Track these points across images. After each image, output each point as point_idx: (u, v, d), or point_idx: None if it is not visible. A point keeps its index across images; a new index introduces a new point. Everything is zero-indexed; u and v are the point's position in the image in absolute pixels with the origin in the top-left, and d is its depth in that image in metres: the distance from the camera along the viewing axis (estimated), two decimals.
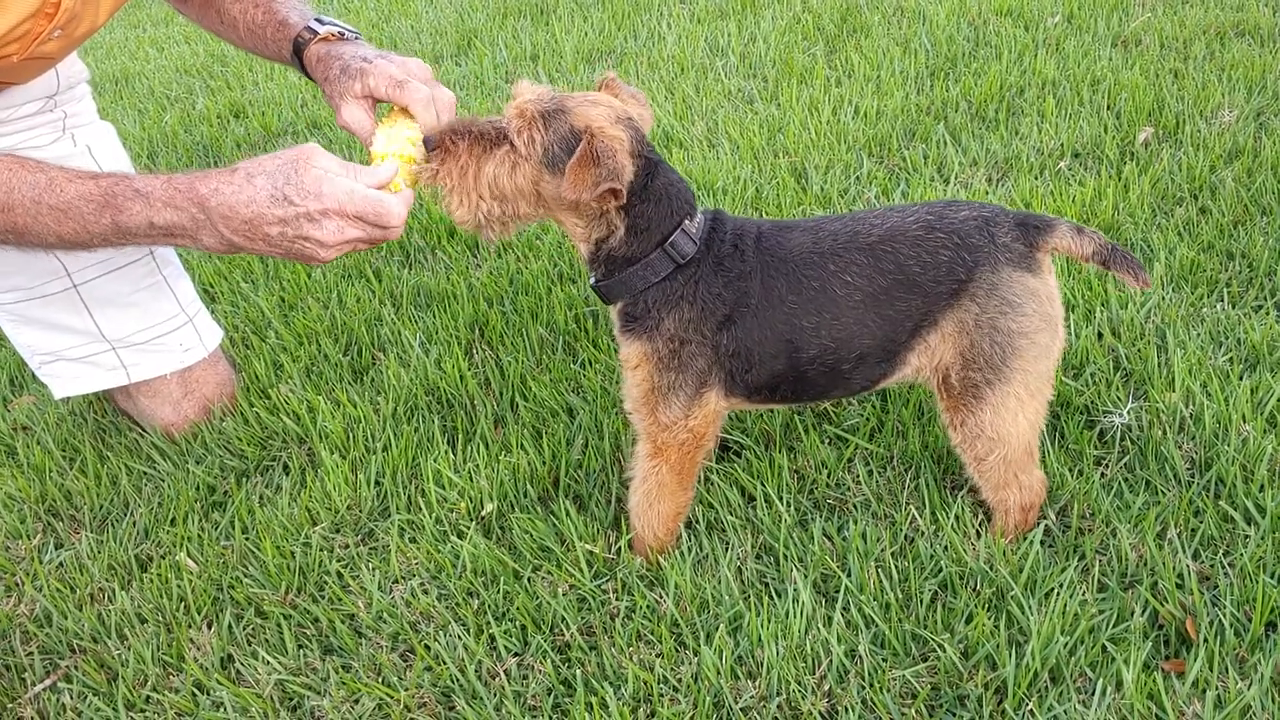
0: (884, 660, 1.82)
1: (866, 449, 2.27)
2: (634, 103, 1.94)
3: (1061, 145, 3.35)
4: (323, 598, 2.12)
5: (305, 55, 2.30)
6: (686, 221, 1.89)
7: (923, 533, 2.05)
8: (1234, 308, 2.51)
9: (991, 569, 1.93)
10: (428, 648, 1.97)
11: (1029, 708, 1.70)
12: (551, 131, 1.80)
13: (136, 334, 2.60)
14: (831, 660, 1.82)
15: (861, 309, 1.86)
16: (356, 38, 2.32)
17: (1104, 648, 1.78)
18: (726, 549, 2.08)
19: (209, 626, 2.11)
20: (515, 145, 1.83)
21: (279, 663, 1.99)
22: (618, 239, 1.88)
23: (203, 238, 1.92)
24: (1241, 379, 2.26)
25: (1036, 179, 3.19)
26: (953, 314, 1.85)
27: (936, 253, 1.84)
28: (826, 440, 2.31)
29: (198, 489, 2.46)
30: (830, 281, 1.86)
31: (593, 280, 1.96)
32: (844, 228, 1.91)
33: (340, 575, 2.16)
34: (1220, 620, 1.79)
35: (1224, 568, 1.89)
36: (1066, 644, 1.77)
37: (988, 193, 3.15)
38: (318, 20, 2.33)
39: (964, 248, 1.83)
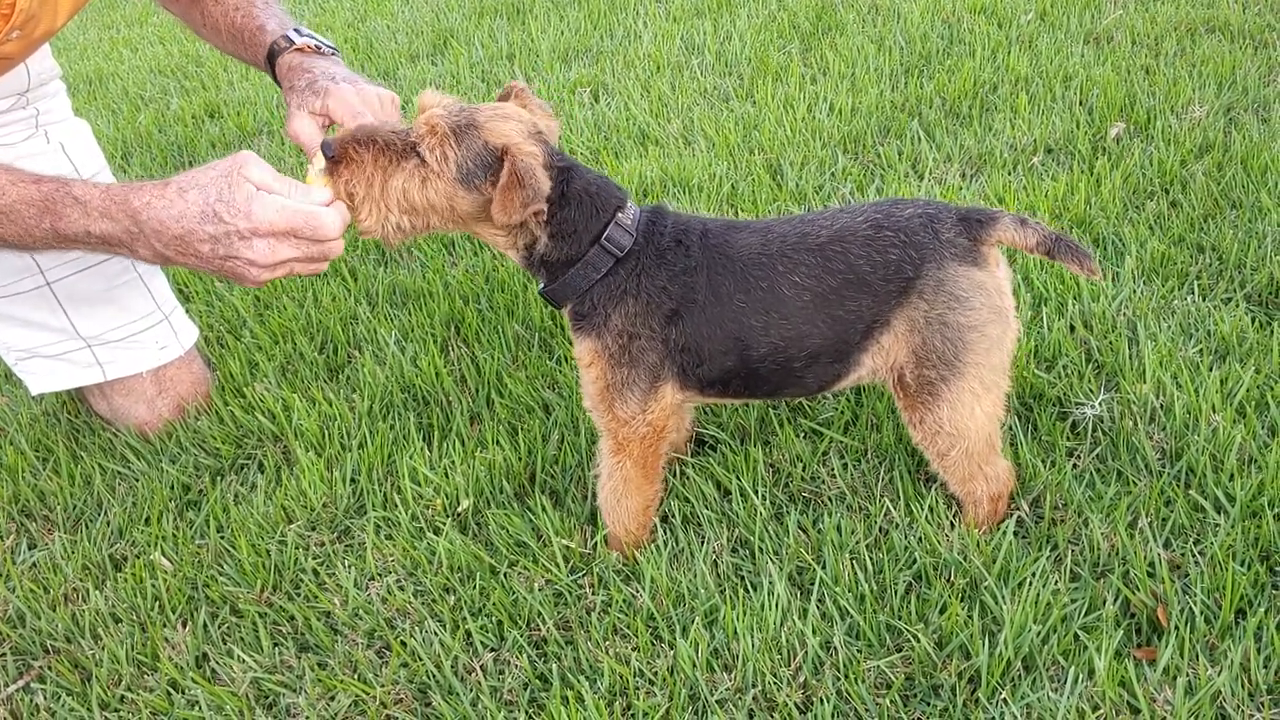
0: (859, 651, 1.83)
1: (841, 442, 2.28)
2: (541, 114, 1.94)
3: (1034, 141, 3.38)
4: (298, 595, 2.12)
5: (278, 62, 2.31)
6: (619, 214, 1.89)
7: (897, 525, 2.06)
8: (1204, 300, 2.54)
9: (965, 559, 1.94)
10: (404, 644, 1.96)
11: (1002, 696, 1.71)
12: (464, 148, 1.79)
13: (112, 331, 2.59)
14: (807, 652, 1.83)
15: (811, 309, 1.87)
16: (333, 53, 2.32)
17: (1076, 636, 1.80)
18: (702, 543, 2.09)
19: (184, 625, 2.10)
20: (426, 161, 1.80)
21: (254, 661, 1.98)
22: (543, 244, 1.89)
23: (138, 249, 1.89)
24: (1211, 370, 2.28)
25: (1009, 174, 3.21)
26: (903, 312, 1.86)
27: (886, 251, 1.85)
28: (801, 434, 2.32)
29: (172, 488, 2.45)
30: (779, 282, 1.87)
31: (540, 288, 1.96)
32: (793, 229, 1.91)
33: (316, 573, 2.16)
34: (1191, 608, 1.81)
35: (1194, 556, 1.90)
36: (1039, 633, 1.79)
37: (961, 188, 3.17)
38: (296, 31, 2.34)
39: (910, 245, 1.84)
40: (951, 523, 2.04)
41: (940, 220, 1.86)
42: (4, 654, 2.10)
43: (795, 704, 1.76)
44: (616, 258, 1.88)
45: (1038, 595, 1.84)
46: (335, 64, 2.26)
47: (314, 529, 2.27)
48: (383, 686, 1.89)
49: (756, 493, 2.16)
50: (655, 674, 1.84)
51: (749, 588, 1.99)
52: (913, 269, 1.84)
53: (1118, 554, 1.93)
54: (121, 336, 2.61)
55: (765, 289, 1.87)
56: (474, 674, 1.90)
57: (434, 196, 1.83)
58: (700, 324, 1.89)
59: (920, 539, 2.01)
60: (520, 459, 2.35)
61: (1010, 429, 2.23)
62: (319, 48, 2.33)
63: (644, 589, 1.98)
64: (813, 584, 1.96)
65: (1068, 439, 2.21)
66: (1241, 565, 1.86)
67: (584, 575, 2.06)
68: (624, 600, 1.98)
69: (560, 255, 1.89)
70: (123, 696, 1.97)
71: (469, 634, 1.98)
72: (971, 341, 1.84)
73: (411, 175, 1.81)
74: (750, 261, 1.89)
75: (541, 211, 1.81)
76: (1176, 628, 1.77)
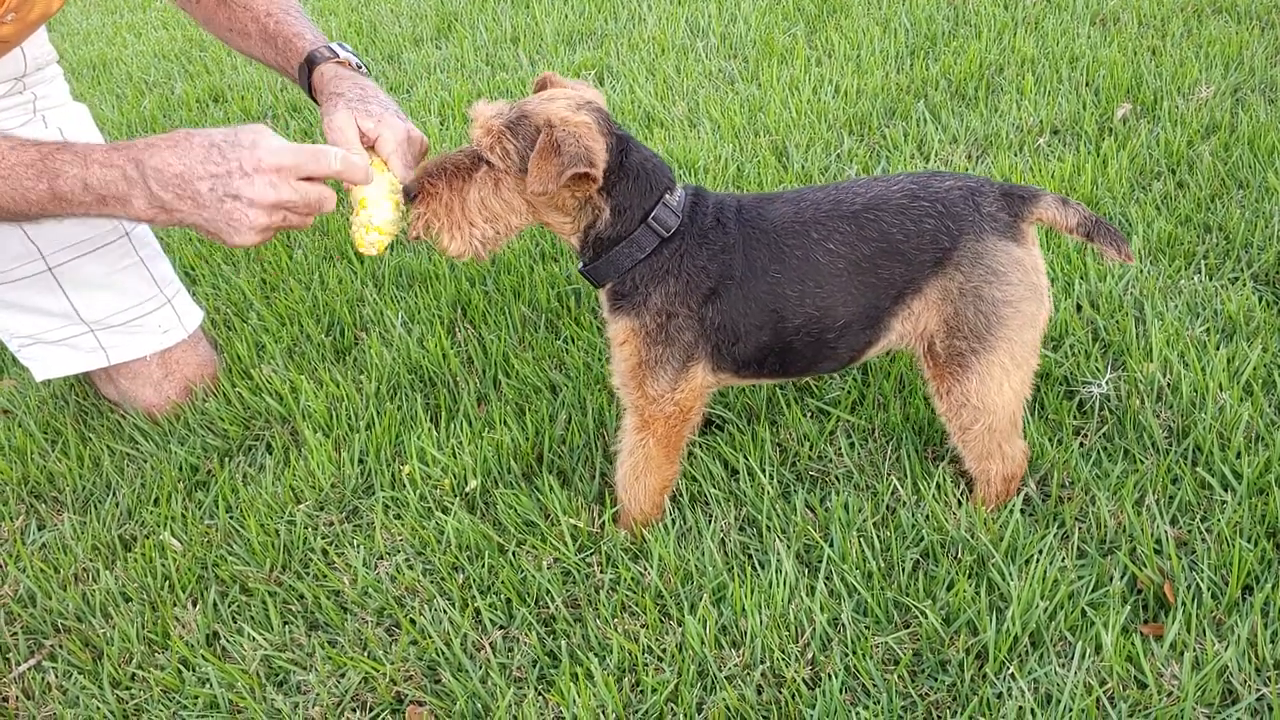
0: (866, 628, 1.84)
1: (848, 421, 2.28)
2: (583, 85, 1.97)
3: (1040, 122, 3.37)
4: (308, 574, 2.13)
5: (320, 69, 2.33)
6: (667, 195, 1.89)
7: (904, 502, 2.06)
8: (1211, 279, 2.54)
9: (972, 537, 1.95)
10: (413, 622, 1.97)
11: (1010, 671, 1.72)
12: (521, 138, 1.82)
13: (114, 316, 2.59)
14: (815, 628, 1.84)
15: (845, 277, 1.87)
16: (368, 74, 2.37)
17: (1083, 612, 1.80)
18: (710, 521, 2.09)
19: (194, 604, 2.11)
20: (491, 163, 1.84)
21: (264, 639, 1.99)
22: (604, 221, 1.89)
23: (134, 198, 1.88)
24: (1218, 349, 2.28)
25: (1016, 155, 3.21)
26: (937, 282, 1.86)
27: (921, 221, 1.85)
28: (809, 413, 2.32)
29: (180, 469, 2.46)
30: (813, 250, 1.87)
31: (581, 265, 1.96)
32: (826, 197, 1.91)
33: (325, 552, 2.17)
34: (1198, 584, 1.81)
35: (1201, 533, 1.91)
36: (1046, 609, 1.79)
37: (967, 169, 3.16)
38: (340, 45, 2.38)
39: (948, 216, 1.84)
40: (959, 500, 2.05)
41: (982, 194, 1.87)
42: (15, 633, 2.11)
43: (804, 680, 1.77)
44: (662, 238, 1.88)
45: (1045, 572, 1.85)
46: (379, 89, 2.29)
47: (322, 509, 2.28)
48: (392, 664, 1.90)
49: (764, 471, 2.17)
50: (664, 650, 1.85)
51: (757, 565, 1.99)
52: (949, 240, 1.84)
53: (1125, 531, 1.94)
54: (124, 321, 2.61)
55: (800, 258, 1.88)
56: (483, 651, 1.91)
57: (507, 195, 1.88)
58: (736, 300, 1.89)
59: (928, 517, 2.01)
60: (528, 439, 2.35)
61: None
62: (360, 66, 2.37)
63: (652, 567, 1.99)
64: (820, 561, 1.97)
65: (1075, 418, 2.21)
66: (1248, 542, 1.86)
67: (592, 554, 2.07)
68: (632, 578, 1.98)
69: (613, 232, 1.89)
70: (134, 674, 1.98)
71: (478, 612, 1.98)
72: (1006, 316, 1.84)
73: (484, 183, 1.87)
74: (785, 230, 1.89)
75: (590, 176, 1.80)
76: (1183, 604, 1.77)
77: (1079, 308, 2.49)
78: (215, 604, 2.09)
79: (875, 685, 1.75)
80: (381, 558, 2.13)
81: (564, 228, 1.94)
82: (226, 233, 1.89)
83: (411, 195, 1.92)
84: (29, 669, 2.04)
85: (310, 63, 2.35)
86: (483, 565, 2.06)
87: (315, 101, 2.35)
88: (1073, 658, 1.72)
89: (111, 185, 1.88)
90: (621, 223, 1.88)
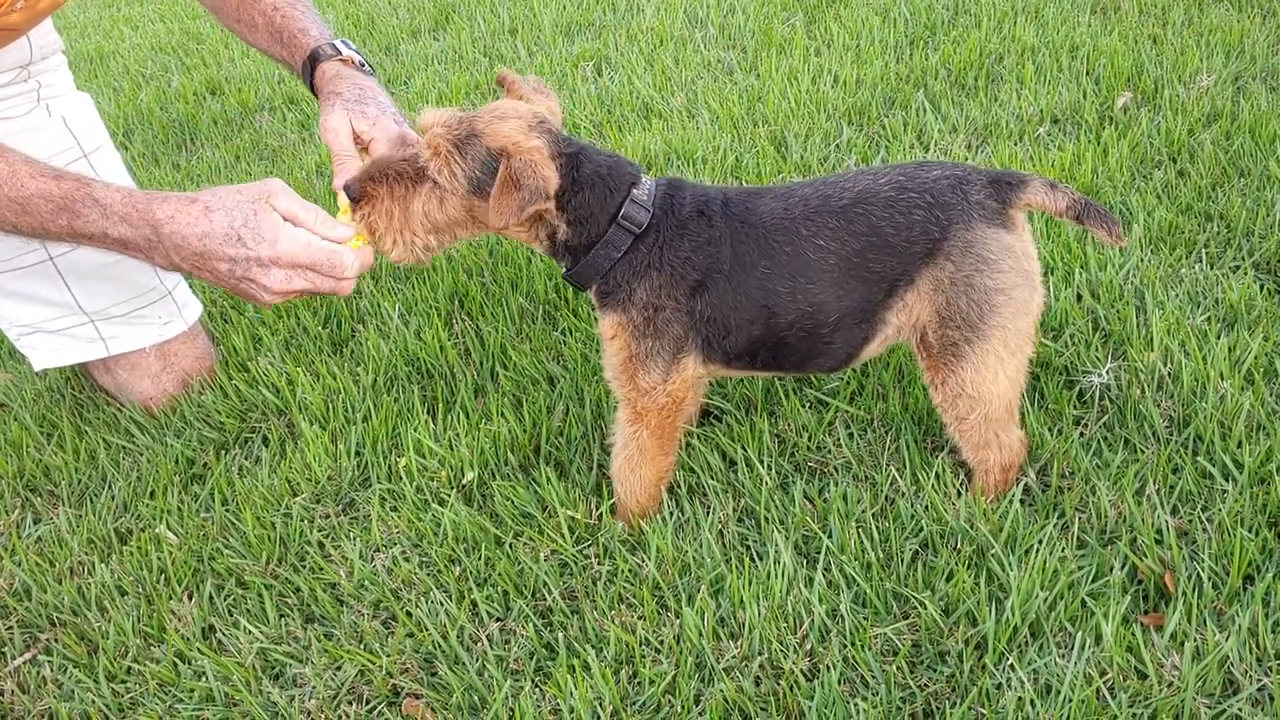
0: (865, 619, 1.83)
1: (847, 412, 2.27)
2: (539, 97, 1.95)
3: (1040, 111, 3.35)
4: (304, 567, 2.12)
5: (322, 67, 2.33)
6: (634, 190, 1.88)
7: (903, 493, 2.05)
8: (1212, 268, 2.52)
9: (972, 527, 1.94)
10: (410, 614, 1.97)
11: (1009, 662, 1.71)
12: (469, 160, 1.80)
13: (115, 306, 2.58)
14: (813, 619, 1.83)
15: (837, 272, 1.86)
16: (371, 72, 2.35)
17: (1083, 602, 1.79)
18: (708, 512, 2.08)
19: (190, 597, 2.11)
20: (437, 181, 1.82)
21: (261, 632, 1.98)
22: (564, 232, 1.89)
23: (154, 257, 1.92)
24: (1219, 338, 2.27)
25: (1016, 145, 3.19)
26: (928, 272, 1.84)
27: (910, 213, 1.83)
28: (807, 404, 2.31)
29: (176, 462, 2.45)
30: (803, 246, 1.86)
31: (564, 272, 1.96)
32: (814, 192, 1.90)
33: (321, 545, 2.16)
34: (1198, 574, 1.80)
35: (1202, 523, 1.90)
36: (1046, 599, 1.78)
37: (967, 158, 3.14)
38: (343, 43, 2.37)
39: (937, 206, 1.83)
40: (958, 491, 2.03)
41: (969, 182, 1.85)
42: (11, 627, 2.11)
43: (802, 671, 1.76)
44: (635, 234, 1.87)
45: (1045, 562, 1.83)
46: (381, 89, 2.29)
47: (319, 502, 2.27)
48: (389, 656, 1.89)
49: (762, 463, 2.16)
50: (661, 642, 1.84)
51: (755, 557, 1.98)
52: (939, 230, 1.82)
53: (1125, 521, 1.93)
54: (124, 312, 2.61)
55: (790, 254, 1.86)
56: (480, 643, 1.90)
57: (453, 212, 1.87)
58: (725, 294, 1.88)
59: (927, 507, 2.00)
60: (525, 431, 2.34)
61: None
62: (362, 64, 2.36)
63: (649, 559, 1.98)
64: (819, 552, 1.96)
65: (1075, 407, 2.20)
66: (1249, 531, 1.85)
67: (589, 545, 2.06)
68: (630, 570, 1.97)
69: (580, 240, 1.89)
70: (129, 668, 1.98)
71: (475, 604, 1.97)
72: (998, 304, 1.83)
73: (429, 198, 1.86)
74: (774, 226, 1.88)
75: (549, 210, 1.81)
76: (1184, 594, 1.76)
77: (1079, 297, 2.48)
78: (211, 597, 2.09)
79: (874, 676, 1.74)
80: (378, 550, 2.12)
81: (519, 236, 1.94)
82: (241, 297, 1.94)
83: (352, 198, 1.90)
84: (24, 663, 2.03)
85: (313, 60, 2.33)
86: (479, 557, 2.05)
87: (317, 99, 2.34)
88: (1073, 648, 1.71)
89: (133, 242, 1.91)
90: (586, 231, 1.88)
